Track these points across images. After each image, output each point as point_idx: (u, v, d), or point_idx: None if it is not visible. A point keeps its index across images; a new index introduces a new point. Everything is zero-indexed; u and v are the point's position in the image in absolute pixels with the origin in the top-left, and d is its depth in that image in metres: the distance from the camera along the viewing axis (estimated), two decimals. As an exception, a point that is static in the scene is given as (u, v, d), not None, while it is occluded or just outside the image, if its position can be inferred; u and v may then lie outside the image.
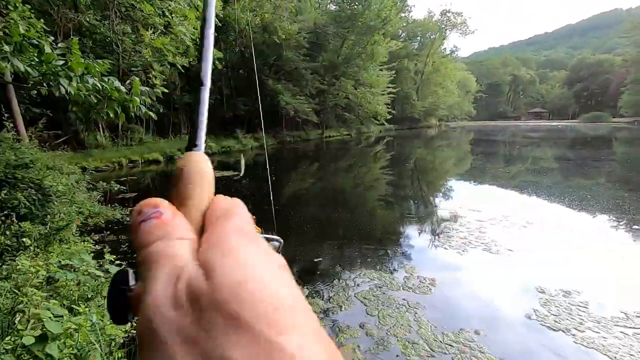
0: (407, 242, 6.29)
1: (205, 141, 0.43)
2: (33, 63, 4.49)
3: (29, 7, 9.82)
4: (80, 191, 6.91)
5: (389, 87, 38.54)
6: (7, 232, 4.48)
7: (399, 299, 4.13)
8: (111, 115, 5.06)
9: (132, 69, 17.81)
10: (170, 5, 11.10)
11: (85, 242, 4.78)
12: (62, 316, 1.90)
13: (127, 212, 7.44)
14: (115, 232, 6.36)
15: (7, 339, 1.63)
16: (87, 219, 6.00)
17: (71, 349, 1.90)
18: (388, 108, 38.53)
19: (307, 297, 4.21)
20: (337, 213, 8.56)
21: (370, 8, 31.52)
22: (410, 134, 44.37)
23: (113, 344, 2.35)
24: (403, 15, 46.76)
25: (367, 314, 3.85)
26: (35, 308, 1.84)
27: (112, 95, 5.01)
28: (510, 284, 4.62)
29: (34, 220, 4.93)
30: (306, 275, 4.94)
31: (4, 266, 2.25)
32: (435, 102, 58.86)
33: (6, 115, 11.32)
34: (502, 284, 4.62)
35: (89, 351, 2.09)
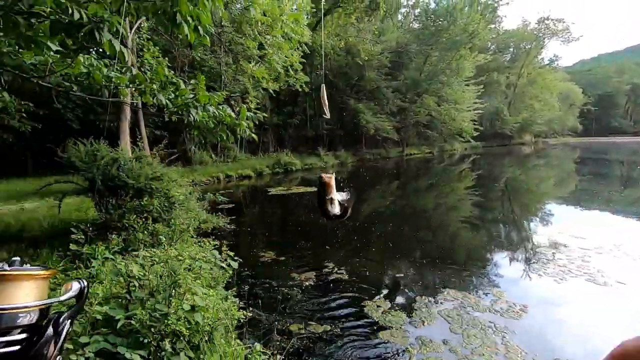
0: (494, 266, 6.01)
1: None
2: (170, 97, 5.58)
3: (158, 48, 11.91)
4: (192, 201, 8.17)
5: (476, 103, 36.47)
6: (145, 231, 5.62)
7: (485, 321, 4.05)
8: (223, 137, 6.02)
9: (232, 94, 20.24)
10: (268, 40, 12.49)
11: (200, 243, 5.69)
12: (205, 294, 2.48)
13: (227, 221, 8.51)
14: (218, 237, 7.36)
15: (173, 304, 2.23)
16: (200, 225, 7.06)
17: (208, 319, 2.45)
18: (475, 124, 36.39)
19: (389, 310, 4.39)
20: (418, 233, 8.51)
21: (456, 23, 30.65)
22: (500, 151, 41.02)
23: (232, 324, 2.89)
24: (492, 26, 44.18)
25: (451, 331, 3.87)
26: (186, 286, 2.45)
27: (225, 120, 5.96)
28: (620, 318, 4.15)
29: (162, 222, 6.04)
30: (388, 289, 5.11)
31: (159, 253, 3.00)
32: (531, 116, 53.42)
33: (138, 137, 13.85)
34: (609, 317, 4.17)
35: (218, 325, 2.64)
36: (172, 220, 6.25)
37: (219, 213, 8.75)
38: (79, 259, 4.85)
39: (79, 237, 5.07)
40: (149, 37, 13.74)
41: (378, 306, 4.49)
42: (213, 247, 3.83)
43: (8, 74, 4.83)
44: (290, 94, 27.42)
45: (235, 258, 3.46)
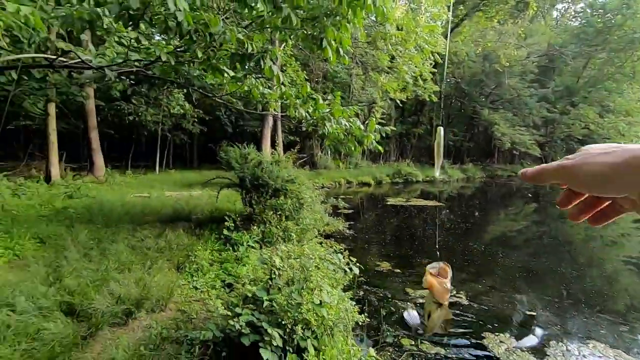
0: (670, 327, 4.74)
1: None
2: (309, 110, 6.23)
3: (298, 63, 13.19)
4: (317, 203, 8.91)
5: (658, 115, 28.72)
6: (278, 227, 6.44)
7: (647, 393, 3.29)
8: (352, 148, 6.43)
9: (360, 104, 21.08)
10: (400, 52, 12.61)
11: (323, 244, 6.21)
12: (328, 292, 2.80)
13: (346, 226, 8.97)
14: (337, 240, 7.83)
15: (304, 296, 2.61)
16: (323, 227, 7.67)
17: (332, 316, 2.75)
18: (655, 142, 28.66)
19: (515, 349, 3.98)
20: (559, 267, 7.31)
21: (636, 17, 24.81)
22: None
23: (350, 325, 3.14)
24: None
25: (595, 393, 3.28)
26: (316, 282, 2.81)
27: (354, 132, 6.35)
28: None
29: (292, 220, 6.81)
30: (516, 326, 4.61)
31: (295, 249, 3.50)
32: None
33: (276, 142, 15.73)
34: None
35: (339, 323, 2.92)
36: (301, 219, 6.97)
37: (339, 217, 9.29)
38: (229, 242, 5.93)
39: (230, 224, 6.20)
40: (292, 53, 15.57)
41: (501, 342, 4.11)
42: (334, 251, 4.18)
43: (195, 92, 6.29)
44: (417, 103, 26.83)
45: (357, 264, 3.72)
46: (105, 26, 3.99)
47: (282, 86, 5.71)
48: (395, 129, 6.56)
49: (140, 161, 19.05)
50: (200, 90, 5.87)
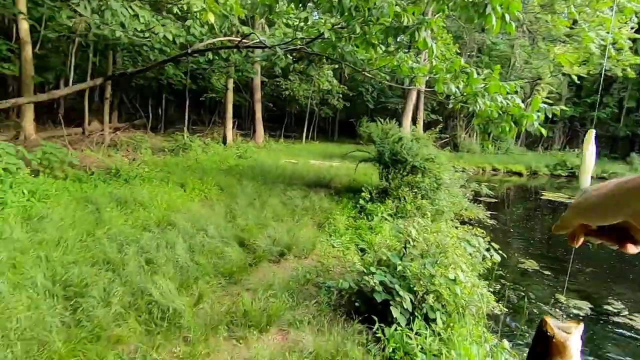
0: None
1: None
2: (459, 86, 5.83)
3: (450, 35, 12.18)
4: (455, 186, 8.39)
5: None
6: (412, 204, 6.42)
7: None
8: (506, 128, 5.76)
9: (520, 80, 18.22)
10: (586, 14, 10.23)
11: (457, 229, 5.91)
12: (464, 271, 2.75)
13: (488, 215, 8.21)
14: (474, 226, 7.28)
15: (438, 270, 2.65)
16: (460, 212, 7.25)
17: (465, 295, 2.71)
18: None
19: None
20: None
21: None
22: None
23: (483, 311, 3.00)
24: None
25: None
26: (452, 258, 2.79)
27: (511, 111, 5.65)
28: None
29: (427, 200, 6.66)
30: None
31: (431, 224, 3.49)
32: None
33: (414, 120, 15.24)
34: None
35: (471, 305, 2.84)
36: (436, 200, 6.76)
37: (480, 205, 8.55)
38: (364, 212, 6.28)
39: (366, 195, 6.53)
40: (444, 25, 14.43)
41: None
42: (474, 234, 3.94)
43: (347, 67, 6.66)
44: (602, 80, 21.45)
45: (500, 252, 3.45)
46: (277, 9, 4.62)
47: (434, 60, 5.48)
48: (567, 109, 5.54)
49: (290, 132, 21.45)
50: (352, 66, 6.18)
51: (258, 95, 16.57)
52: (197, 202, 5.87)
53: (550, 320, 0.47)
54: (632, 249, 0.47)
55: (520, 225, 9.05)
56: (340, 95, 19.76)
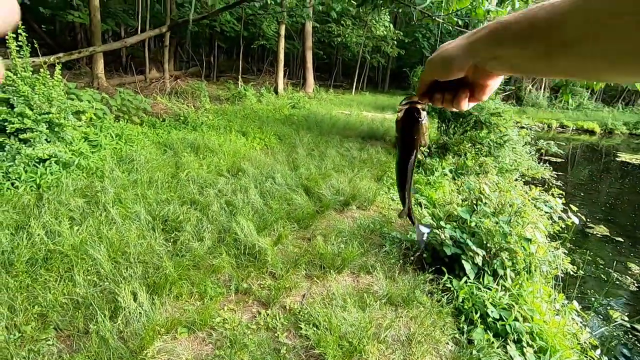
0: None
1: None
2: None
3: None
4: (519, 144, 7.87)
5: None
6: (474, 161, 6.18)
7: None
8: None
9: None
10: None
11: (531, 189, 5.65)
12: (541, 231, 2.71)
13: (554, 175, 7.71)
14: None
15: (516, 228, 2.63)
16: (527, 171, 6.87)
17: (538, 255, 2.69)
18: None
19: None
20: None
21: None
22: None
23: (553, 272, 2.97)
24: None
25: None
26: (528, 217, 2.75)
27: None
28: None
29: (490, 157, 6.36)
30: None
31: (504, 181, 3.39)
32: None
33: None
34: None
35: (542, 265, 2.81)
36: (500, 157, 6.44)
37: (545, 164, 8.01)
38: (422, 167, 6.18)
39: (424, 149, 6.36)
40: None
41: None
42: (551, 194, 3.76)
43: (416, 12, 6.16)
44: None
45: (578, 215, 3.30)
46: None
47: (517, 1, 4.89)
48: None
49: (339, 82, 20.86)
50: (422, 10, 5.72)
51: (309, 42, 16.06)
52: (259, 150, 6.10)
53: (418, 106, 0.58)
54: (464, 104, 0.51)
55: (589, 187, 8.43)
56: (395, 42, 18.56)
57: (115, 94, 6.35)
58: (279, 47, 13.93)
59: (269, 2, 8.13)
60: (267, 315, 2.27)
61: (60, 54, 6.87)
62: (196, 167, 4.43)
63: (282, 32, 13.77)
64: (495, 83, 0.48)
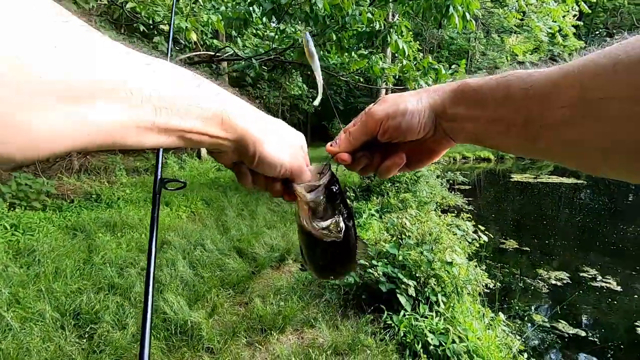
0: None
1: None
2: (429, 82, 6.14)
3: (411, 33, 12.59)
4: (432, 178, 8.78)
5: None
6: (396, 198, 6.69)
7: None
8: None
9: (477, 72, 19.19)
10: (533, 6, 10.99)
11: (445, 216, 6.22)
12: (458, 253, 2.98)
13: (465, 202, 8.64)
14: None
15: (437, 254, 2.86)
16: (439, 201, 7.59)
17: (461, 276, 2.93)
18: None
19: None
20: None
21: None
22: None
23: (478, 289, 3.24)
24: None
25: None
26: (447, 242, 3.01)
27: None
28: None
29: (409, 193, 6.95)
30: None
31: (421, 214, 3.73)
32: None
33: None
34: None
35: (468, 285, 3.06)
36: (418, 192, 7.07)
37: (457, 192, 8.98)
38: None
39: (351, 195, 6.73)
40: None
41: (661, 333, 3.62)
42: (462, 218, 4.22)
43: (322, 72, 6.81)
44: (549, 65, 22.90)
45: (486, 233, 3.73)
46: (253, 21, 4.73)
47: (404, 60, 5.76)
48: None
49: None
50: (326, 71, 6.37)
51: (228, 106, 16.47)
52: (186, 218, 5.83)
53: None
54: (394, 172, 0.45)
55: (495, 208, 9.57)
56: (311, 100, 19.99)
57: (10, 179, 5.66)
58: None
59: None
60: (208, 398, 2.06)
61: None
62: (114, 247, 4.04)
63: (200, 98, 13.94)
64: (444, 150, 0.43)
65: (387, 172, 0.45)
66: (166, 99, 0.29)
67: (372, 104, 0.44)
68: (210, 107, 0.33)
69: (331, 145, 0.46)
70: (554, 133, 0.31)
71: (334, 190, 0.45)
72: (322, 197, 0.44)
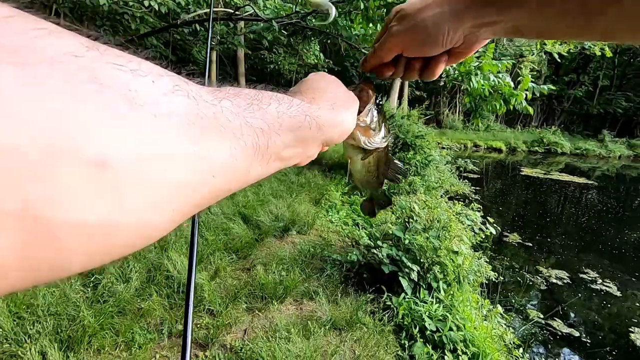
0: None
1: None
2: (454, 65, 5.90)
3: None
4: (442, 163, 8.65)
5: None
6: (404, 181, 6.61)
7: None
8: (496, 106, 5.93)
9: (502, 59, 18.46)
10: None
11: (455, 204, 6.17)
12: (465, 243, 2.95)
13: (472, 190, 8.55)
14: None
15: (444, 242, 2.83)
16: (449, 187, 7.52)
17: (465, 265, 2.92)
18: None
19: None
20: None
21: None
22: None
23: (479, 280, 3.24)
24: None
25: None
26: (455, 231, 2.98)
27: (502, 89, 5.81)
28: None
29: (418, 177, 6.86)
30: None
31: (431, 199, 3.67)
32: None
33: (399, 98, 15.32)
34: None
35: (470, 274, 3.05)
36: (427, 176, 6.98)
37: (464, 180, 8.88)
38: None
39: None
40: None
41: (655, 341, 3.64)
42: (471, 208, 4.17)
43: (343, 43, 6.57)
44: (580, 59, 22.03)
45: (495, 225, 3.69)
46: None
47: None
48: (553, 87, 5.71)
49: (274, 107, 21.10)
50: (347, 41, 6.11)
51: (242, 68, 16.12)
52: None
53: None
54: (439, 72, 0.43)
55: (501, 200, 9.49)
56: (326, 70, 19.49)
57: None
58: (210, 73, 13.72)
59: (198, 29, 8.03)
60: (206, 357, 2.11)
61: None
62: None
63: (214, 58, 13.62)
64: (481, 45, 0.40)
65: (431, 72, 0.43)
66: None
67: (393, 14, 0.42)
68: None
69: (363, 64, 0.47)
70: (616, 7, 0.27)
71: (379, 102, 0.48)
72: (375, 114, 0.47)
